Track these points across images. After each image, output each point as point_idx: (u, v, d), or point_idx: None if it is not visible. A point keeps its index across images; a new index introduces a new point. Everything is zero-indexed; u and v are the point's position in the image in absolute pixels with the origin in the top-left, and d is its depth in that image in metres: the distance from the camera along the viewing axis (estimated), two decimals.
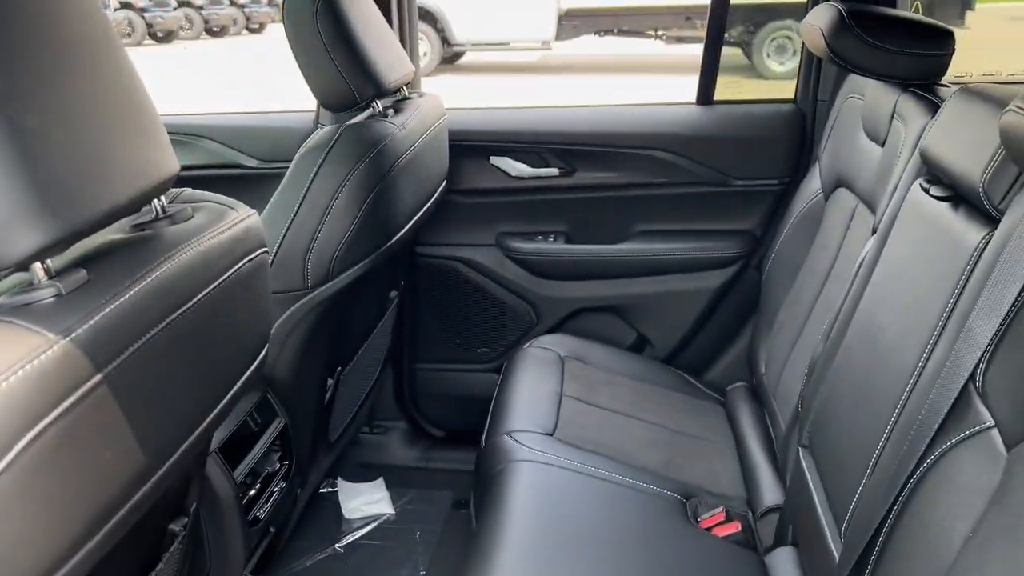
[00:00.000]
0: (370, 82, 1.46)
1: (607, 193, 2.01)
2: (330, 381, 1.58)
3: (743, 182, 1.95)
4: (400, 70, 1.57)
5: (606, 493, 1.45)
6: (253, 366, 0.95)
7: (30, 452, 0.58)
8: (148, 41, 15.25)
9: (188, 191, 0.92)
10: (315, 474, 1.67)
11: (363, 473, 2.10)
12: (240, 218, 0.88)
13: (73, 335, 0.62)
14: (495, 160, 1.99)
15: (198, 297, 0.77)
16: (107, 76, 0.72)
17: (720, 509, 1.47)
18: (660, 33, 10.85)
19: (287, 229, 1.35)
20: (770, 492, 1.50)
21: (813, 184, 1.75)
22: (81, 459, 0.63)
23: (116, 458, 0.68)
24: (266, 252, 0.94)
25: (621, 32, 11.36)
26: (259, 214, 1.06)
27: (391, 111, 1.55)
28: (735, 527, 1.44)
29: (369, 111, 1.52)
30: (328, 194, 1.35)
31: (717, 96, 2.00)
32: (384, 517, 1.98)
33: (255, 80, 10.17)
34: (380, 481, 2.08)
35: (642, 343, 2.11)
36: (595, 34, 11.46)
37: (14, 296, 0.65)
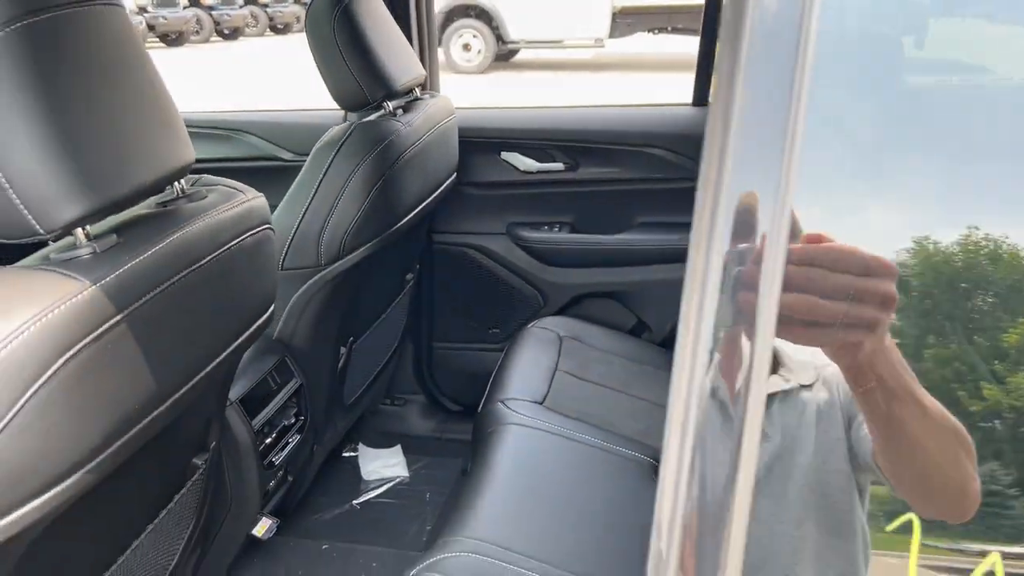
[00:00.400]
0: (381, 84, 1.64)
1: (609, 187, 2.17)
2: (343, 350, 1.78)
3: None
4: (410, 73, 1.75)
5: (584, 455, 1.62)
6: (256, 324, 1.14)
7: (66, 369, 0.78)
8: (215, 38, 15.79)
9: (207, 177, 1.12)
10: (331, 433, 1.87)
11: (382, 441, 2.30)
12: (246, 199, 1.08)
13: (102, 283, 0.82)
14: (505, 155, 2.16)
15: (205, 260, 0.97)
16: (137, 85, 0.92)
17: None
18: None
19: (303, 213, 1.55)
20: None
21: None
22: (104, 379, 0.83)
23: (133, 382, 0.88)
24: (270, 229, 1.14)
25: (675, 30, 11.38)
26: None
27: (400, 111, 1.73)
28: None
29: (381, 111, 1.71)
30: (339, 184, 1.54)
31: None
32: (399, 479, 2.17)
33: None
34: (398, 448, 2.28)
35: (641, 327, 2.26)
36: (649, 32, 11.50)
37: (60, 254, 0.85)
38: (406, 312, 2.17)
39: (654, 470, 1.63)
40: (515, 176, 2.18)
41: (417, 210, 1.75)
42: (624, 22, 11.43)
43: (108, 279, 0.83)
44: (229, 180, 1.11)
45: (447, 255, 2.27)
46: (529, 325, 2.05)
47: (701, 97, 2.13)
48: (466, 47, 11.51)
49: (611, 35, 11.27)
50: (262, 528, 1.56)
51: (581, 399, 1.80)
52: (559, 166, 2.16)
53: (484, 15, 11.36)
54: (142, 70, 0.93)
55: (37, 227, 0.80)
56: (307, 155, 2.25)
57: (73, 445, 0.81)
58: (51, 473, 0.79)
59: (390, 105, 1.71)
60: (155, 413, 0.92)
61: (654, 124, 2.14)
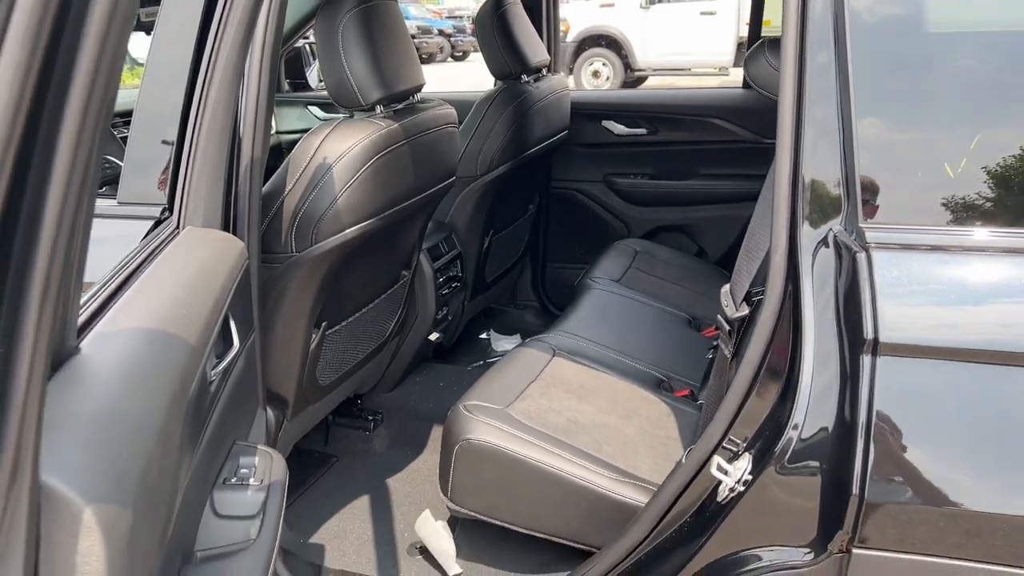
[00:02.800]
0: (520, 62, 2.53)
1: (680, 147, 2.99)
2: (487, 239, 2.68)
3: (772, 140, 2.82)
4: (539, 56, 2.63)
5: (643, 311, 2.43)
6: (447, 181, 2.04)
7: (374, 164, 1.69)
8: None
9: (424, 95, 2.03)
10: (477, 297, 2.76)
11: (507, 332, 3.18)
12: (448, 108, 1.99)
13: (390, 127, 1.73)
14: (605, 123, 3.03)
15: (430, 130, 1.87)
16: (404, 41, 1.82)
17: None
18: None
19: (469, 140, 2.46)
20: None
21: None
22: (389, 173, 1.74)
23: (401, 179, 1.78)
24: (456, 127, 2.03)
25: None
26: None
27: (532, 80, 2.62)
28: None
29: (519, 80, 2.60)
30: (492, 121, 2.44)
31: None
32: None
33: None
34: (517, 336, 3.15)
35: (701, 253, 3.05)
36: None
37: (369, 115, 1.77)
38: (528, 233, 3.06)
39: (689, 323, 2.42)
40: (611, 138, 3.04)
41: (539, 147, 2.63)
42: None
43: (393, 127, 1.74)
44: (432, 98, 2.02)
45: (559, 197, 3.14)
46: (615, 243, 2.88)
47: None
48: (595, 74, 12.27)
49: (735, 64, 11.80)
50: (434, 336, 2.46)
51: (646, 282, 2.61)
52: (643, 131, 3.00)
53: (614, 44, 12.14)
54: (404, 33, 1.85)
55: (360, 100, 1.71)
56: None
57: (376, 201, 1.72)
58: (365, 212, 1.69)
59: (525, 76, 2.60)
60: (404, 204, 1.83)
61: (715, 101, 2.95)
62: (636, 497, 1.56)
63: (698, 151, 2.98)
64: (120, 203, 1.46)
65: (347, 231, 1.68)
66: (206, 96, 1.32)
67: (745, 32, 12.10)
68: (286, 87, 3.44)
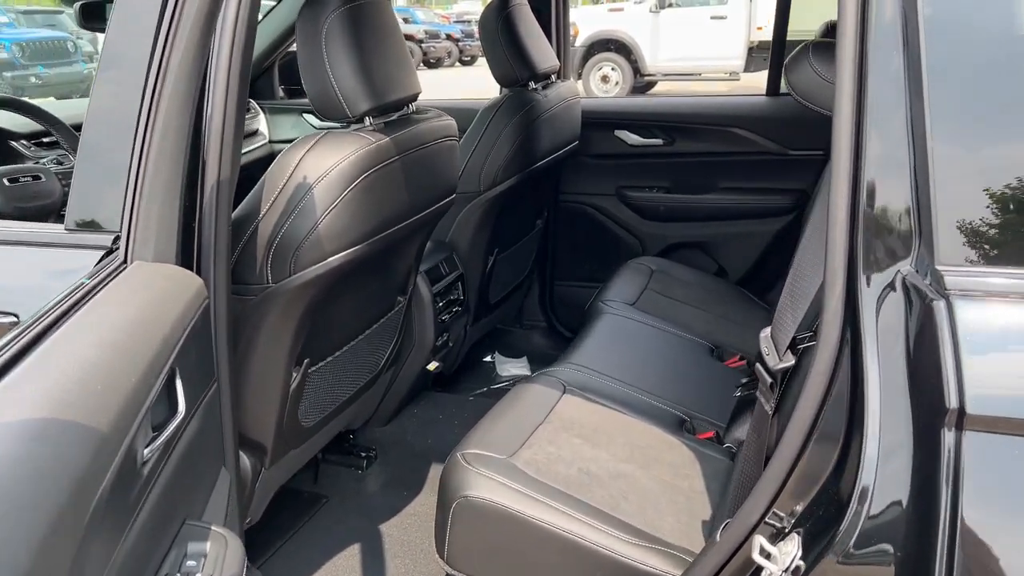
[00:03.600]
0: (527, 68, 2.34)
1: (698, 158, 2.79)
2: (491, 259, 2.48)
3: (797, 152, 2.66)
4: (548, 62, 2.44)
5: (660, 337, 2.23)
6: (446, 200, 1.84)
7: (361, 183, 1.49)
8: (422, 67, 18.22)
9: (421, 105, 1.83)
10: (480, 321, 2.57)
11: (513, 354, 2.98)
12: (447, 119, 1.79)
13: (379, 142, 1.54)
14: (618, 132, 2.83)
15: (425, 145, 1.68)
16: (395, 44, 1.63)
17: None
18: None
19: (471, 153, 2.26)
20: None
21: None
22: (377, 194, 1.54)
23: (390, 201, 1.59)
24: (456, 141, 1.84)
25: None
26: None
27: (540, 88, 2.42)
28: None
29: (526, 87, 2.40)
30: (496, 133, 2.25)
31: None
32: (522, 376, 2.84)
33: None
34: (524, 359, 2.95)
35: (721, 272, 2.85)
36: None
37: (357, 128, 1.57)
38: (535, 250, 2.86)
39: (711, 352, 2.22)
40: (624, 149, 2.83)
41: (547, 159, 2.43)
42: (761, 56, 11.76)
43: (383, 141, 1.55)
44: (435, 108, 1.82)
45: (569, 211, 2.94)
46: (628, 261, 2.68)
47: (774, 88, 2.72)
48: (604, 78, 12.15)
49: (746, 69, 11.64)
50: (432, 365, 2.27)
51: (663, 306, 2.41)
52: (659, 141, 2.80)
53: (623, 49, 12.01)
54: (397, 37, 1.66)
55: (347, 112, 1.52)
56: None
57: (361, 226, 1.52)
58: (350, 238, 1.50)
59: (532, 83, 2.41)
60: (396, 227, 1.63)
61: (737, 110, 2.75)
62: (660, 567, 1.36)
63: (718, 163, 2.78)
64: (68, 230, 1.26)
65: (330, 259, 1.48)
66: (156, 107, 1.13)
67: (756, 37, 11.98)
68: (280, 94, 3.25)
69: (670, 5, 12.04)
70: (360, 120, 1.55)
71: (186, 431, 1.03)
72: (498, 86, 2.51)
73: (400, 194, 1.63)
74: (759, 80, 12.11)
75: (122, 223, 1.16)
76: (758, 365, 1.27)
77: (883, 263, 0.98)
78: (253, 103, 3.04)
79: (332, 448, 2.22)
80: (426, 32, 18.10)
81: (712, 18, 11.66)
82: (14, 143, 2.14)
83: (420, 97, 1.76)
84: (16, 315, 1.25)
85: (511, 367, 2.88)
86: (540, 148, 2.38)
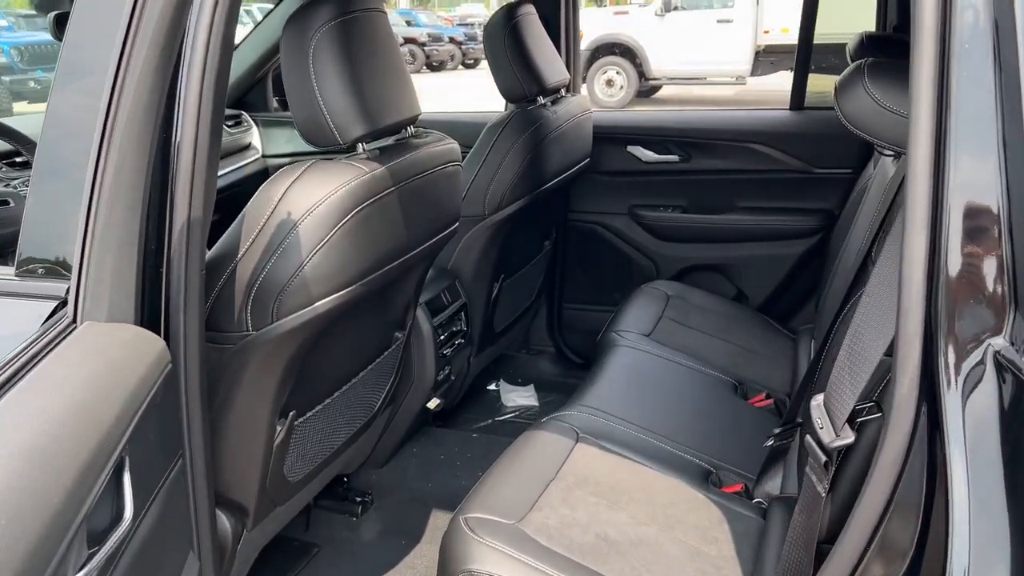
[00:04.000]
0: (535, 83, 2.18)
1: (716, 176, 2.62)
2: (496, 285, 2.31)
3: (823, 170, 2.49)
4: (558, 76, 2.28)
5: (678, 373, 2.06)
6: (449, 229, 1.68)
7: (355, 217, 1.33)
8: (424, 70, 18.16)
9: (422, 129, 1.67)
10: (485, 351, 2.40)
11: (518, 381, 2.81)
12: (449, 142, 1.63)
13: (374, 172, 1.37)
14: (631, 148, 2.66)
15: (425, 172, 1.52)
16: (393, 62, 1.47)
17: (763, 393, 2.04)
18: None
19: (475, 175, 2.10)
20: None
21: (870, 170, 2.27)
22: (373, 228, 1.38)
23: (387, 235, 1.42)
24: (460, 166, 1.68)
25: (819, 69, 11.49)
26: None
27: (549, 103, 2.26)
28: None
29: (534, 103, 2.24)
30: (502, 153, 2.08)
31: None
32: (530, 408, 2.68)
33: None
34: (531, 386, 2.79)
35: (740, 297, 2.68)
36: (791, 70, 11.67)
37: (349, 157, 1.41)
38: (543, 273, 2.69)
39: (734, 389, 2.05)
40: (637, 166, 2.67)
41: (557, 179, 2.27)
42: (767, 60, 11.64)
43: (378, 171, 1.38)
44: (438, 132, 1.66)
45: (579, 231, 2.78)
46: (642, 286, 2.52)
47: (797, 102, 2.56)
48: (609, 83, 12.01)
49: (753, 73, 11.50)
50: (433, 403, 2.10)
51: (681, 336, 2.24)
52: (674, 158, 2.63)
53: (628, 52, 11.87)
54: (394, 53, 1.49)
55: (337, 139, 1.36)
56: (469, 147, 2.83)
57: (353, 267, 1.36)
58: (340, 280, 1.33)
59: (541, 99, 2.24)
60: (392, 264, 1.47)
61: (757, 125, 2.58)
62: None
63: (737, 181, 2.61)
64: (17, 275, 1.09)
65: (318, 303, 1.32)
66: (110, 131, 0.97)
67: (762, 40, 11.83)
68: (275, 106, 3.09)
69: (675, 8, 11.90)
70: (352, 147, 1.40)
71: (136, 535, 0.86)
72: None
73: (397, 228, 1.47)
74: (766, 84, 12.02)
75: (72, 274, 1.00)
76: (809, 438, 1.11)
77: (969, 334, 0.82)
78: (246, 115, 2.88)
79: (325, 493, 2.05)
80: (429, 35, 18.05)
81: (718, 21, 11.52)
82: None
83: (425, 105, 1.59)
84: None
85: (517, 396, 2.72)
86: (549, 168, 2.22)
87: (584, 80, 12.03)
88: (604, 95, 11.97)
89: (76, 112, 1.04)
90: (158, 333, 1.06)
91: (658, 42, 11.65)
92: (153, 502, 0.93)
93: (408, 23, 20.21)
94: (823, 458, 1.06)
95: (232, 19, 1.13)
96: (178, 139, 1.09)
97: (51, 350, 0.90)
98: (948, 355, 0.82)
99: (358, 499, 2.07)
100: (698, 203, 2.66)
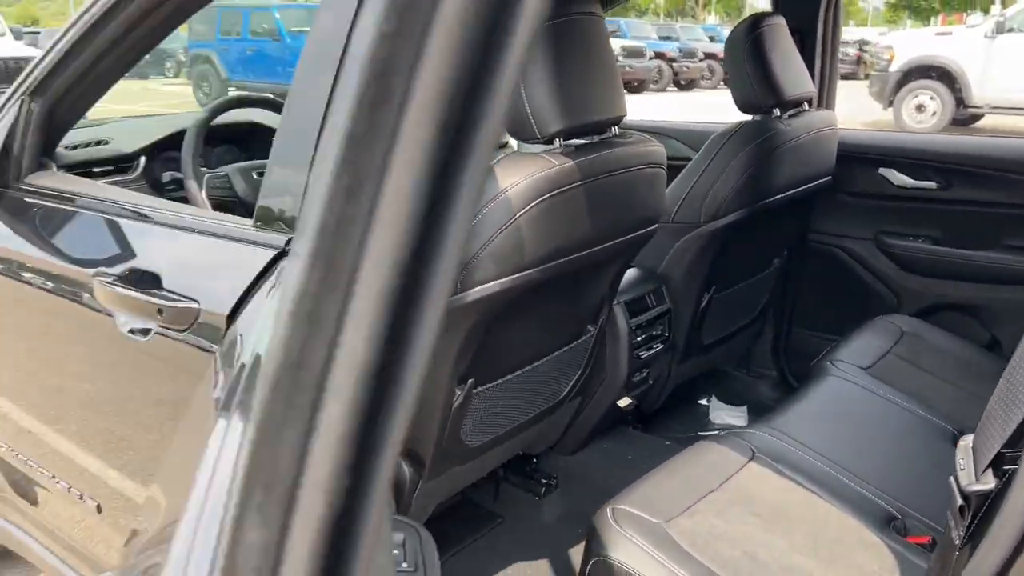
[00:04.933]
0: (771, 94, 2.12)
1: (979, 208, 2.36)
2: (706, 295, 2.29)
3: None
4: (799, 89, 2.19)
5: (890, 412, 1.91)
6: (643, 231, 1.72)
7: (538, 207, 1.42)
8: (671, 88, 17.47)
9: (629, 131, 1.72)
10: (687, 364, 2.39)
11: (733, 401, 2.74)
12: (653, 144, 1.67)
13: (562, 165, 1.46)
14: (883, 171, 2.48)
15: (620, 171, 1.57)
16: (605, 63, 1.55)
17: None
18: None
19: (695, 181, 2.10)
20: None
21: None
22: (556, 219, 1.46)
23: (567, 229, 1.50)
24: (663, 168, 1.70)
25: None
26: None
27: (786, 116, 2.18)
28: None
29: (769, 114, 2.18)
30: (725, 162, 2.06)
31: None
32: (735, 427, 2.60)
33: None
34: (744, 408, 2.70)
35: (994, 345, 2.39)
36: None
37: (547, 149, 1.50)
38: (767, 292, 2.60)
39: (952, 440, 1.85)
40: (889, 190, 2.48)
41: (787, 193, 2.19)
42: None
43: (566, 165, 1.46)
44: (644, 135, 1.70)
45: (817, 252, 2.64)
46: (876, 318, 2.34)
47: None
48: (920, 108, 11.09)
49: None
50: (624, 402, 2.14)
51: (904, 375, 2.06)
52: (932, 184, 2.41)
53: (946, 76, 10.85)
54: (606, 54, 1.57)
55: (536, 132, 1.46)
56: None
57: (534, 251, 1.45)
58: (519, 262, 1.43)
59: (777, 111, 2.18)
60: (575, 255, 1.54)
61: None
62: None
63: (1004, 216, 2.33)
64: (254, 226, 1.33)
65: (497, 281, 1.43)
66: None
67: None
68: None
69: (1011, 30, 10.64)
70: (550, 141, 1.49)
71: None
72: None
73: (581, 222, 1.53)
74: None
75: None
76: (951, 479, 1.02)
77: None
78: None
79: (514, 469, 2.18)
80: (623, 48, 16.86)
81: None
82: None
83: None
84: (197, 301, 1.35)
85: (727, 415, 2.65)
86: (777, 181, 2.16)
87: (891, 103, 11.17)
88: (912, 120, 11.05)
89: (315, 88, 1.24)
90: None
91: (985, 66, 10.54)
92: None
93: (712, 39, 19.85)
94: (960, 502, 0.97)
95: None
96: None
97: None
98: None
99: (544, 480, 2.17)
100: (954, 236, 2.42)
